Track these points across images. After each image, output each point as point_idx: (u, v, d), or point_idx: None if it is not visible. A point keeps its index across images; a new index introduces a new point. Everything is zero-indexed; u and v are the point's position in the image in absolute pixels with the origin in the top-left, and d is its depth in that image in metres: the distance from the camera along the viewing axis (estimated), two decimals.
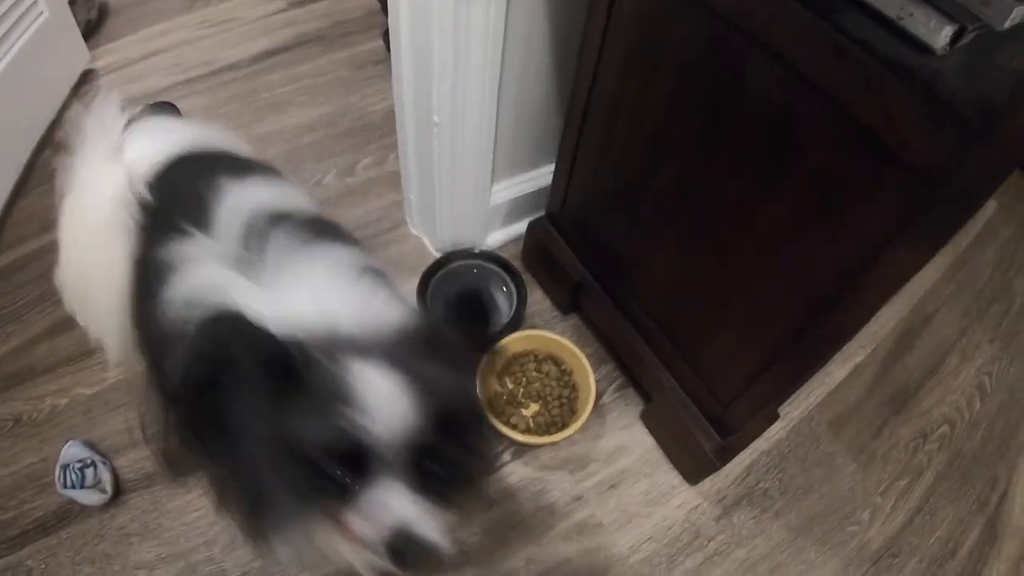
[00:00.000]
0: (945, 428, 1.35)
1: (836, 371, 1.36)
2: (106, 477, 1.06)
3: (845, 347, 1.36)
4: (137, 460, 1.12)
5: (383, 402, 0.55)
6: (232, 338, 0.55)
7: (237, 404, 0.56)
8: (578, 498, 1.15)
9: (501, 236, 1.40)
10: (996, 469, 1.31)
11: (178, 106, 1.54)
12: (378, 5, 1.87)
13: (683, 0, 0.78)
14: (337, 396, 0.55)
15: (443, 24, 0.97)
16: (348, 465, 0.56)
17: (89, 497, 1.05)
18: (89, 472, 1.04)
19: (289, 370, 0.55)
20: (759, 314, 0.93)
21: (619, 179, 1.07)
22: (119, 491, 1.09)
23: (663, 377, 1.13)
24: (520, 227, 1.37)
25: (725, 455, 1.12)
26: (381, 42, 1.85)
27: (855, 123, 0.66)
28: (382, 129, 1.63)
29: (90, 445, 1.10)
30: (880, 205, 0.69)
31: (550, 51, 1.12)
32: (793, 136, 0.74)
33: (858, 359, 1.40)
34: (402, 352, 0.60)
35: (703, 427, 1.09)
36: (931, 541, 1.20)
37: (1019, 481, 1.30)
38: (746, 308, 0.94)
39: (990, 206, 1.87)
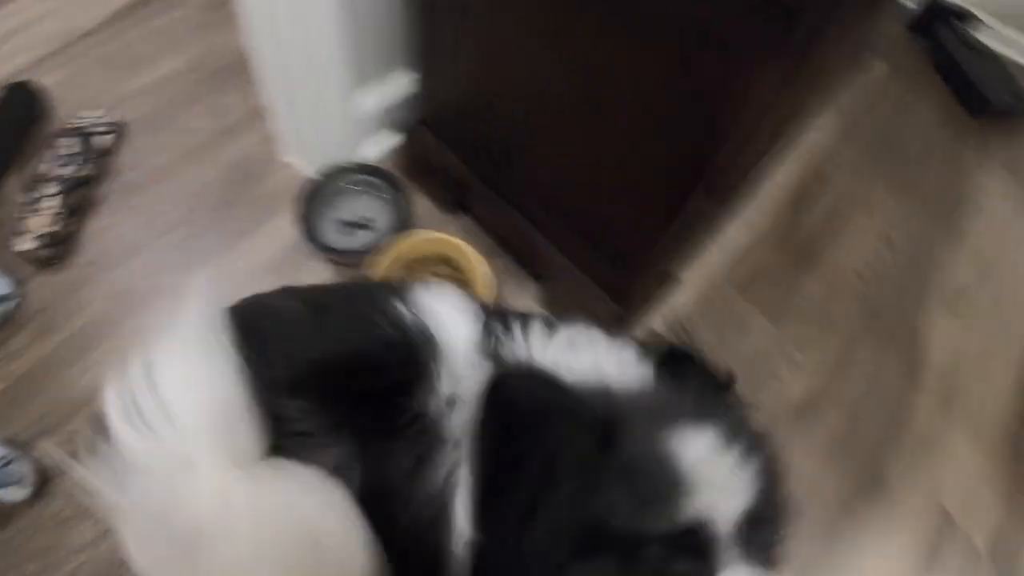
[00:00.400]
0: (856, 281, 1.35)
1: (738, 236, 1.35)
2: (27, 470, 0.98)
3: (744, 213, 1.37)
4: (55, 445, 1.03)
5: (723, 477, 0.47)
6: (540, 391, 0.48)
7: (541, 468, 0.47)
8: None
9: (377, 148, 1.33)
10: (911, 317, 1.33)
11: (44, 81, 1.44)
12: None
13: None
14: (666, 472, 0.46)
15: None
16: (688, 554, 0.46)
17: (13, 494, 0.97)
18: (10, 469, 0.97)
19: (607, 438, 0.47)
20: (638, 170, 0.89)
21: (484, 65, 1.01)
22: (45, 480, 1.00)
23: (549, 252, 1.09)
24: (396, 136, 1.30)
25: (625, 321, 1.09)
26: None
27: None
28: (247, 64, 1.55)
29: (6, 442, 1.01)
30: (739, 33, 0.66)
31: None
32: None
33: (758, 224, 1.39)
34: (707, 416, 0.50)
35: (598, 295, 1.06)
36: (852, 390, 1.20)
37: (933, 326, 1.32)
38: (624, 167, 0.91)
39: (878, 67, 1.88)
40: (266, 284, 1.12)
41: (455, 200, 1.24)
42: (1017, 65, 2.25)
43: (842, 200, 1.47)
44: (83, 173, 1.24)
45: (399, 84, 1.26)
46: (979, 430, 1.19)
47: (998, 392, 1.25)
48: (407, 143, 1.27)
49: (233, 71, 1.56)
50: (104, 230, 1.24)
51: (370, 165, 1.26)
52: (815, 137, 1.58)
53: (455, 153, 1.18)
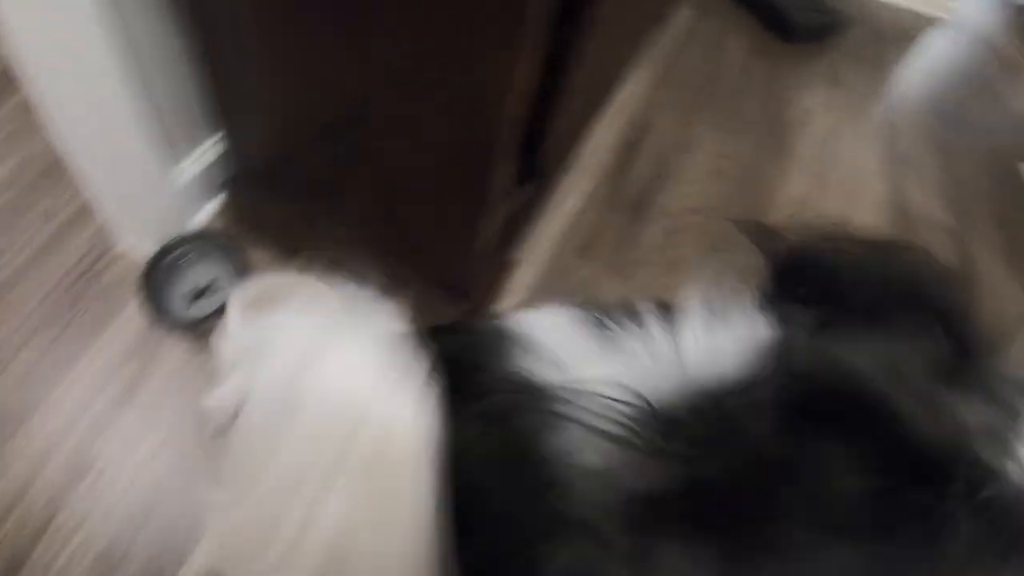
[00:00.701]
0: (694, 219, 1.42)
1: (569, 202, 1.40)
2: None
3: (572, 178, 1.43)
4: None
5: None
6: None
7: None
8: None
9: (206, 211, 1.34)
10: None
11: None
12: None
13: None
14: None
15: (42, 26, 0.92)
16: None
17: None
18: None
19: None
20: (443, 170, 0.94)
21: (280, 109, 1.05)
22: None
23: (395, 272, 1.13)
24: (220, 195, 1.32)
25: (475, 316, 1.14)
26: None
27: None
28: (65, 162, 1.54)
29: None
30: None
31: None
32: None
33: (585, 184, 1.44)
34: None
35: (442, 299, 1.11)
36: None
37: None
38: (430, 171, 0.95)
39: (684, 13, 1.96)
40: (127, 375, 1.16)
41: (288, 243, 1.27)
42: None
43: (667, 145, 1.55)
44: None
45: (211, 145, 1.28)
46: None
47: None
48: (231, 198, 1.30)
49: (57, 170, 1.54)
50: None
51: (203, 231, 1.28)
52: (632, 89, 1.65)
53: (277, 196, 1.21)
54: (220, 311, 1.16)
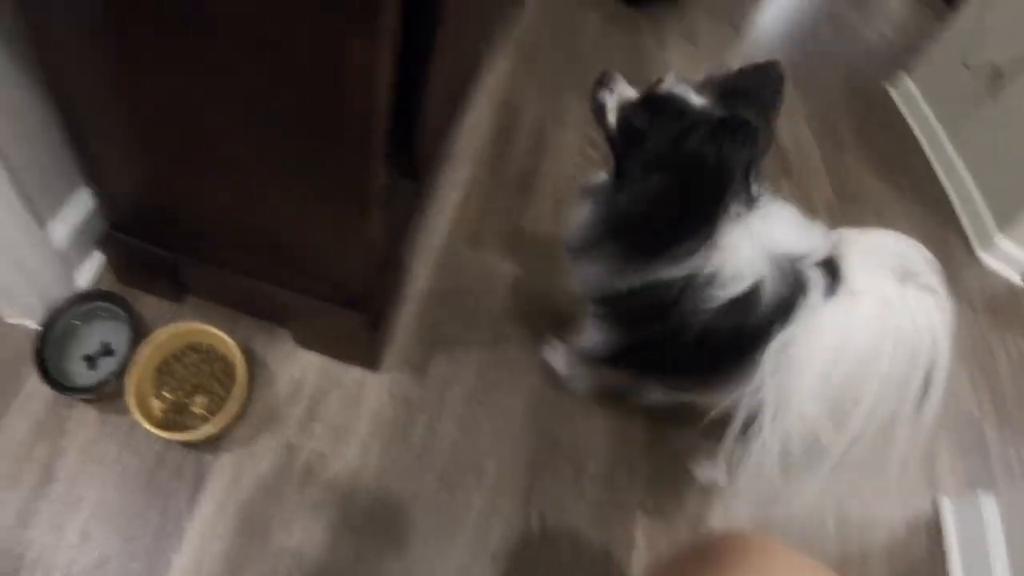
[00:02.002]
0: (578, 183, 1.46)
1: (452, 195, 1.42)
2: None
3: (451, 170, 1.45)
4: None
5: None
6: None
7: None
8: (289, 446, 1.15)
9: (89, 268, 1.32)
10: None
11: None
12: None
13: None
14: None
15: None
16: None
17: None
18: None
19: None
20: (298, 179, 0.94)
21: (129, 146, 1.02)
22: None
23: (283, 297, 1.14)
24: (98, 250, 1.30)
25: (379, 325, 1.16)
26: None
27: None
28: None
29: None
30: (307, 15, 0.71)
31: (7, 63, 1.03)
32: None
33: (465, 174, 1.47)
34: None
35: (342, 313, 1.12)
36: None
37: None
38: (285, 181, 0.95)
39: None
40: (41, 455, 1.13)
41: (176, 286, 1.26)
42: None
43: (538, 120, 1.58)
44: None
45: (82, 201, 1.25)
46: None
47: None
48: (108, 252, 1.27)
49: None
50: None
51: (89, 291, 1.25)
52: (496, 73, 1.68)
53: (153, 242, 1.19)
54: (120, 372, 1.14)
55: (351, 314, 1.12)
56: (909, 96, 2.45)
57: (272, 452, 1.14)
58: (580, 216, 1.02)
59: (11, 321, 1.30)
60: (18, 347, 1.26)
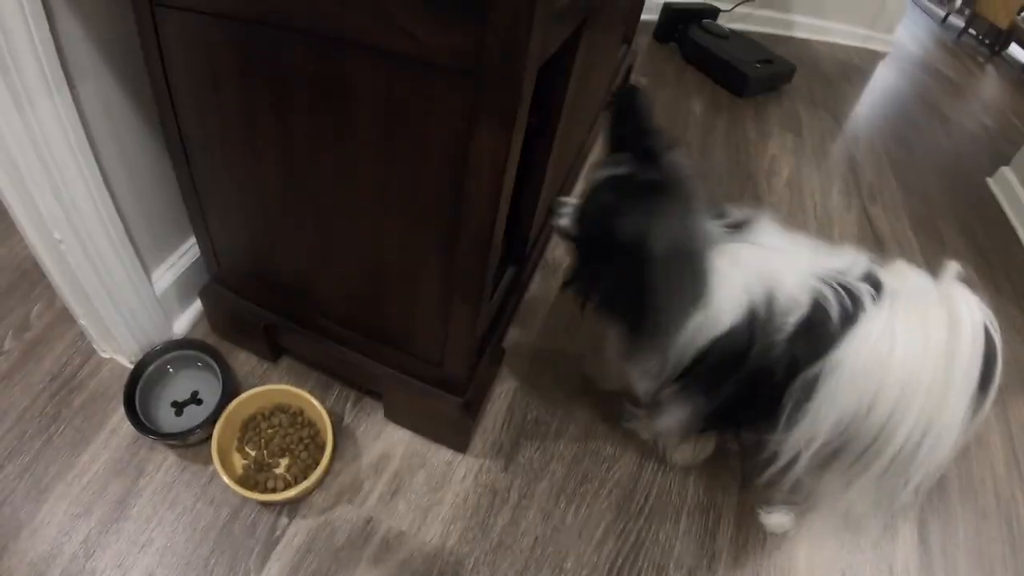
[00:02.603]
0: None
1: (552, 280, 1.41)
2: None
3: (553, 254, 1.44)
4: None
5: None
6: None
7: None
8: (368, 520, 1.12)
9: (187, 317, 1.34)
10: None
11: None
12: None
13: (215, 22, 0.79)
14: None
15: (19, 144, 0.91)
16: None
17: None
18: None
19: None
20: (412, 262, 0.94)
21: (244, 206, 1.05)
22: None
23: (380, 371, 1.12)
24: (197, 301, 1.32)
25: (473, 409, 1.13)
26: None
27: (386, 52, 0.69)
28: (39, 271, 1.51)
29: None
30: (444, 108, 0.72)
31: (140, 121, 1.08)
32: (344, 87, 0.76)
33: (564, 260, 1.45)
34: None
35: (438, 395, 1.10)
36: None
37: None
38: (399, 263, 0.95)
39: (640, 81, 2.01)
40: (116, 491, 1.12)
41: (271, 346, 1.25)
42: (762, 37, 2.46)
43: None
44: None
45: (190, 249, 1.27)
46: None
47: None
48: (208, 304, 1.28)
49: (29, 279, 1.51)
50: None
51: (184, 339, 1.26)
52: (597, 158, 1.68)
53: (254, 300, 1.20)
54: (207, 423, 1.13)
55: (446, 395, 1.10)
56: (1009, 189, 2.37)
57: (349, 524, 1.11)
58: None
59: (104, 355, 1.32)
60: (108, 382, 1.28)
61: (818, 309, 0.85)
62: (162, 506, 1.11)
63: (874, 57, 2.95)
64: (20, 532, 1.09)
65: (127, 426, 1.19)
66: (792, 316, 0.86)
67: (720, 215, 0.96)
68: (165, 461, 1.17)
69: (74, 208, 1.02)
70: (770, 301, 0.86)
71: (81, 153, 0.98)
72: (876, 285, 0.88)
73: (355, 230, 0.95)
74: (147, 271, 1.21)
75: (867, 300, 0.85)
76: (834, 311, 0.85)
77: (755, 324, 0.86)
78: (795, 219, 1.61)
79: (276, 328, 1.19)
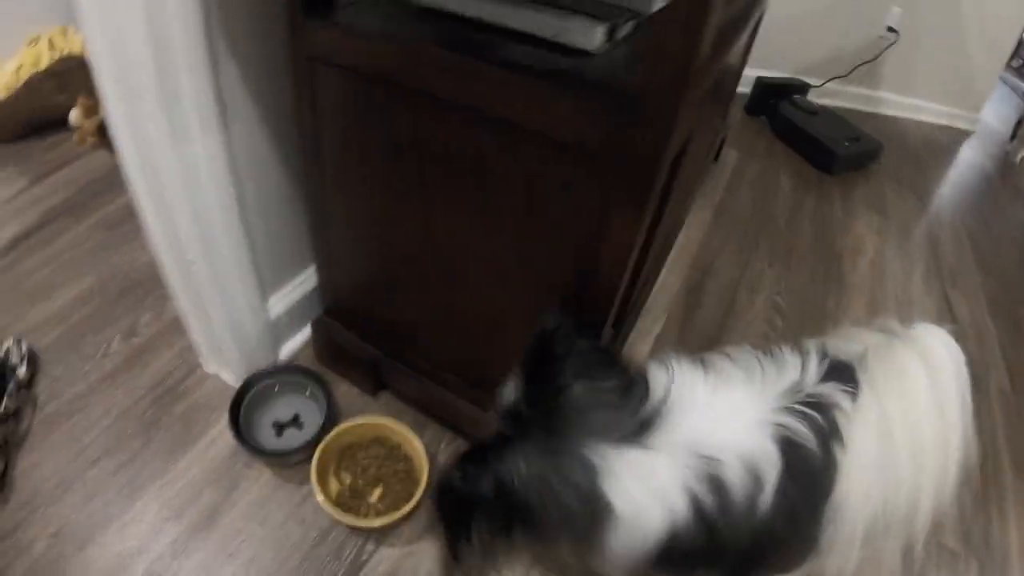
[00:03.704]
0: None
1: (639, 345, 1.44)
2: None
3: (641, 323, 1.48)
4: None
5: None
6: None
7: None
8: None
9: (293, 344, 1.40)
10: None
11: None
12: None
13: (375, 84, 0.84)
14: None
15: (171, 174, 0.98)
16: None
17: None
18: None
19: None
20: (527, 326, 0.96)
21: (371, 255, 1.11)
22: None
23: (475, 413, 1.16)
24: (308, 330, 1.38)
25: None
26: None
27: (540, 137, 0.74)
28: (153, 279, 1.58)
29: None
30: (582, 192, 0.77)
31: (278, 161, 1.15)
32: (490, 163, 0.82)
33: (657, 330, 1.49)
34: None
35: None
36: None
37: None
38: (514, 325, 1.00)
39: (731, 154, 2.07)
40: (209, 500, 1.17)
41: (373, 380, 1.31)
42: (850, 112, 2.49)
43: (727, 284, 1.60)
44: (2, 410, 1.23)
45: (304, 281, 1.35)
46: None
47: None
48: (317, 334, 1.34)
49: (140, 288, 1.59)
50: (32, 468, 1.22)
51: (294, 364, 1.32)
52: (690, 233, 1.73)
53: (363, 336, 1.26)
54: (307, 447, 1.18)
55: None
56: None
57: (433, 558, 1.13)
58: None
59: (209, 370, 1.38)
60: (211, 395, 1.34)
61: (790, 449, 0.72)
62: (253, 520, 1.15)
63: (960, 136, 2.94)
64: (110, 525, 1.14)
65: (226, 439, 1.24)
66: (765, 474, 0.71)
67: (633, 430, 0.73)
68: (261, 477, 1.21)
69: (209, 235, 1.09)
70: (716, 480, 0.71)
71: (224, 188, 1.06)
72: (843, 373, 0.78)
73: (480, 294, 1.00)
74: (264, 298, 1.28)
75: (842, 401, 0.75)
76: (809, 440, 0.73)
77: (705, 512, 0.71)
78: (876, 302, 1.64)
79: (380, 364, 1.25)
